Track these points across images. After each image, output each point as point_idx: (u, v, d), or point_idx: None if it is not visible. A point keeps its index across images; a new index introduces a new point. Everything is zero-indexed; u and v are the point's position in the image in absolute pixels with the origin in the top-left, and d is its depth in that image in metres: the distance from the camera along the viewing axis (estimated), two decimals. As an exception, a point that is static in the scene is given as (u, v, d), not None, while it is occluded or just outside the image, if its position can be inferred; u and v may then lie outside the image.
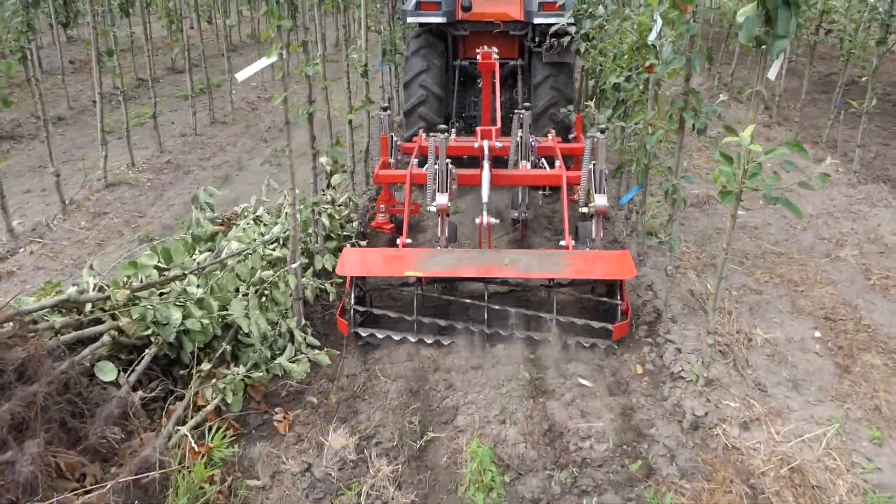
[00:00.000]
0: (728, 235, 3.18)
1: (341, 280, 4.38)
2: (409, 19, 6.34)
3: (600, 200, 4.33)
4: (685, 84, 3.66)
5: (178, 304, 3.40)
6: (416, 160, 5.09)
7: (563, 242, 4.43)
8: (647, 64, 3.97)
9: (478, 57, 5.50)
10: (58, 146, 7.81)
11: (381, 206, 5.23)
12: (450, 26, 6.50)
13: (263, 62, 3.73)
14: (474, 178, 4.74)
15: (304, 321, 3.98)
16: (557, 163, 5.06)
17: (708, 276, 4.65)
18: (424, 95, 6.20)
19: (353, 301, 4.05)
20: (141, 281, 3.50)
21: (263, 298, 3.87)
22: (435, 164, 4.48)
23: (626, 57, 4.59)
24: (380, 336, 3.99)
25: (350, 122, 5.39)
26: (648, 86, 4.28)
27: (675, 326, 3.99)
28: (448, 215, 4.50)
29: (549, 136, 5.58)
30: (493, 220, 4.50)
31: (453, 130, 5.72)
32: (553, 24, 5.72)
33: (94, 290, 3.36)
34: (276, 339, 3.85)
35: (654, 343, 3.97)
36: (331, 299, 4.38)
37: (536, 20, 6.12)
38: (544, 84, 6.18)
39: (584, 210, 4.57)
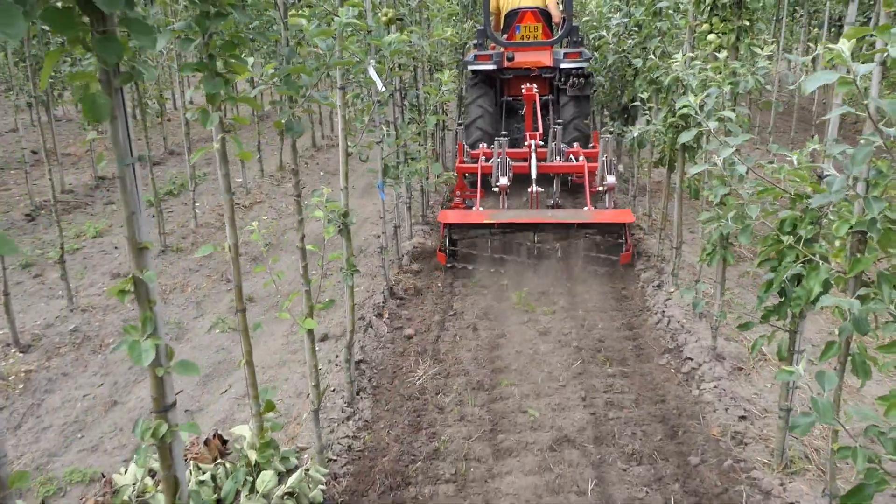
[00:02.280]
0: None
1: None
2: (470, 67, 9.59)
3: (610, 179, 7.50)
4: None
5: None
6: (484, 158, 8.40)
7: (586, 208, 7.47)
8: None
9: (522, 91, 8.98)
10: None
11: (457, 192, 8.50)
12: (498, 72, 9.77)
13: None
14: (524, 168, 7.96)
15: None
16: (581, 159, 8.18)
17: None
18: (481, 112, 9.58)
19: (447, 242, 7.20)
20: None
21: None
22: (498, 158, 7.62)
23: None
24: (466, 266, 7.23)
25: (311, 332, 3.76)
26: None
27: None
28: (507, 192, 7.73)
29: (575, 146, 8.87)
30: (539, 189, 7.74)
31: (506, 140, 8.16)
32: (574, 69, 9.08)
33: None
34: None
35: None
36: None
37: (563, 66, 9.30)
38: (568, 108, 9.44)
39: (601, 188, 7.70)
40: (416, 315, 6.26)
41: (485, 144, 9.01)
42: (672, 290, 6.22)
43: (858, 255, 2.64)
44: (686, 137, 3.40)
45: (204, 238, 8.47)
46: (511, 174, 7.85)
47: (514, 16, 9.76)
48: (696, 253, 7.33)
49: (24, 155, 9.24)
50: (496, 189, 7.77)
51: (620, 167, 9.78)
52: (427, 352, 5.53)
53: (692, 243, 7.64)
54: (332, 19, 3.18)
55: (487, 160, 8.30)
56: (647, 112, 6.28)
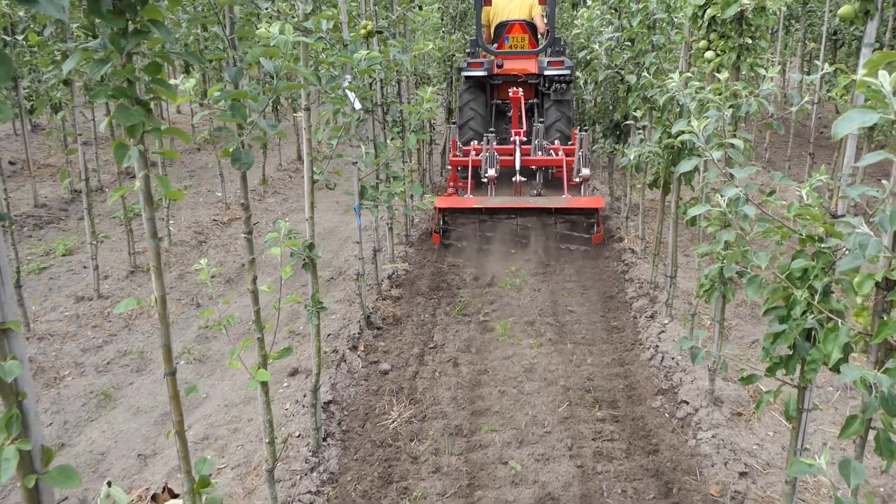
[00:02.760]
0: None
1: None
2: (464, 73, 10.47)
3: (585, 171, 8.48)
4: None
5: None
6: (474, 153, 9.24)
7: (563, 196, 8.53)
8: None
9: (510, 94, 9.94)
10: None
11: (451, 183, 9.38)
12: (488, 78, 10.64)
13: None
14: (510, 162, 8.90)
15: None
16: (560, 154, 9.17)
17: None
18: (473, 114, 10.43)
19: (440, 220, 8.37)
20: None
21: None
22: (486, 152, 8.65)
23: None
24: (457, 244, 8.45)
25: (265, 384, 3.28)
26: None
27: None
28: (494, 182, 8.66)
29: (556, 143, 9.77)
30: (522, 179, 8.78)
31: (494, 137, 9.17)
32: (557, 76, 10.14)
33: None
34: None
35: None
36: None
37: (546, 73, 10.29)
38: (552, 111, 10.35)
39: (577, 179, 8.68)
40: (393, 347, 5.86)
41: (476, 142, 9.90)
42: (666, 321, 5.85)
43: (885, 318, 2.27)
44: (686, 167, 3.03)
45: (177, 258, 8.06)
46: (498, 167, 8.83)
47: (504, 27, 10.75)
48: (690, 278, 6.97)
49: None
50: (485, 180, 8.74)
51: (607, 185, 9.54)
52: (403, 390, 5.13)
53: (686, 267, 7.28)
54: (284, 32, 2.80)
55: (478, 155, 9.18)
56: (640, 131, 5.92)
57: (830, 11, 9.88)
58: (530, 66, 10.53)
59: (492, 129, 9.91)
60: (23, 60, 8.45)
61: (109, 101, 2.10)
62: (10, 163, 12.57)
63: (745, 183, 2.91)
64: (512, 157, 8.93)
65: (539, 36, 10.76)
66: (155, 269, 2.32)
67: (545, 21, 10.64)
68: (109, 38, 2.04)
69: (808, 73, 14.70)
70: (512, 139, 9.13)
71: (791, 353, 2.92)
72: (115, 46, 2.04)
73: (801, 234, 2.92)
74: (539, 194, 9.05)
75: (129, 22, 2.06)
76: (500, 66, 10.52)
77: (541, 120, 9.89)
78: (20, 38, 7.36)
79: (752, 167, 2.93)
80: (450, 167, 9.70)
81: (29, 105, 10.29)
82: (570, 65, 10.18)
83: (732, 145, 3.10)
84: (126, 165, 2.60)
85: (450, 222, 8.70)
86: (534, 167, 9.36)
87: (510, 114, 10.51)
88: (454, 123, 10.39)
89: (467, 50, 11.16)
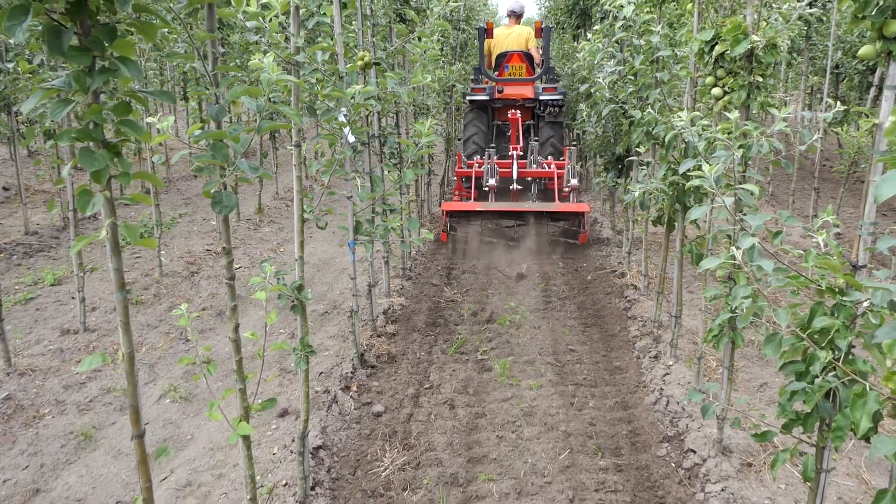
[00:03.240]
0: None
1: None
2: (468, 98, 11.81)
3: (573, 182, 9.67)
4: None
5: None
6: (477, 165, 10.48)
7: (554, 202, 9.73)
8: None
9: (509, 115, 10.98)
10: None
11: (456, 192, 10.75)
12: (489, 102, 11.95)
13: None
14: (508, 173, 10.21)
15: None
16: (552, 167, 10.38)
17: None
18: (476, 132, 11.75)
19: (445, 220, 9.74)
20: None
21: None
22: (487, 164, 9.83)
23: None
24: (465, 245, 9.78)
25: (246, 438, 3.04)
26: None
27: None
28: (494, 191, 9.85)
29: (549, 158, 11.05)
30: (518, 187, 10.03)
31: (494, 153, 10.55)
32: (551, 100, 11.64)
33: None
34: None
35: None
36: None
37: (542, 97, 11.74)
38: (545, 130, 11.81)
39: (567, 189, 9.83)
40: (387, 387, 5.64)
41: (478, 156, 11.18)
42: (671, 362, 5.64)
43: (919, 385, 2.08)
44: (697, 214, 2.85)
45: (167, 290, 7.86)
46: (498, 178, 10.03)
47: (504, 57, 12.16)
48: (695, 316, 6.77)
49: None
50: (486, 188, 9.90)
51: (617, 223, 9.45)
52: (397, 434, 4.91)
53: (690, 305, 7.08)
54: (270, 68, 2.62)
55: (480, 167, 10.39)
56: (644, 166, 5.76)
57: (833, 45, 9.78)
58: (527, 91, 11.94)
59: (493, 145, 11.57)
60: (16, 87, 8.31)
61: (73, 144, 1.92)
62: (4, 188, 12.43)
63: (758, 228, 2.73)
64: (510, 170, 10.33)
65: (535, 65, 12.16)
66: (122, 325, 2.13)
67: (540, 52, 11.99)
68: (73, 76, 1.86)
69: (809, 107, 14.61)
70: (510, 154, 10.67)
71: (809, 411, 2.72)
72: (80, 86, 1.86)
73: (819, 286, 2.74)
74: (533, 201, 10.29)
75: (97, 59, 1.88)
76: (500, 92, 11.93)
77: (536, 138, 11.69)
78: (11, 65, 7.23)
79: (767, 214, 2.75)
80: (451, 191, 11.34)
81: (20, 131, 10.14)
82: (563, 91, 11.78)
83: (748, 191, 2.92)
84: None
85: (455, 225, 10.22)
86: (529, 178, 10.67)
87: (509, 133, 11.95)
88: (459, 139, 12.55)
89: (471, 77, 12.31)
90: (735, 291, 2.59)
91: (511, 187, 10.15)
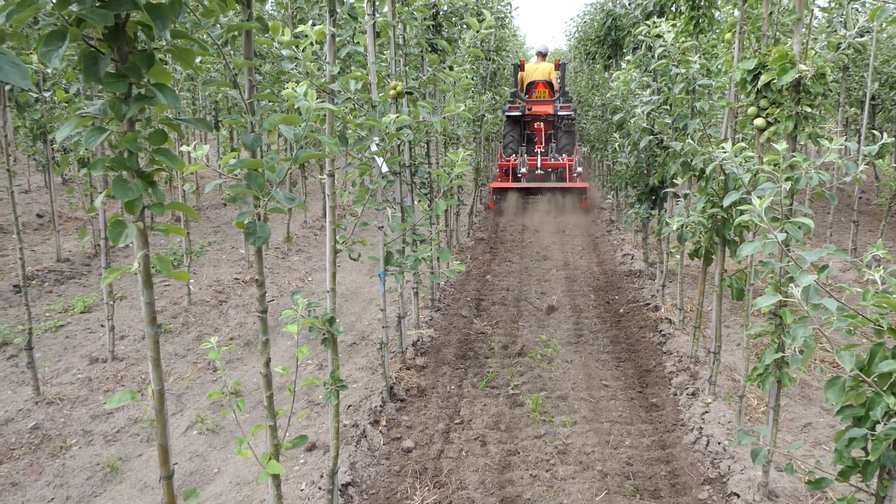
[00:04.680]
0: None
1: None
2: (507, 114, 16.08)
3: (579, 169, 15.40)
4: None
5: None
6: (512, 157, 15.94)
7: (565, 181, 15.28)
8: None
9: (535, 126, 16.53)
10: None
11: (499, 178, 15.76)
12: (522, 116, 16.54)
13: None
14: (534, 164, 15.50)
15: None
16: (566, 161, 15.56)
17: None
18: (512, 139, 16.56)
19: (492, 195, 15.59)
20: None
21: None
22: (519, 159, 15.37)
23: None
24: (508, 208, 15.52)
25: (276, 479, 2.91)
26: None
27: None
28: (525, 177, 15.23)
29: (564, 157, 15.71)
30: (541, 172, 15.59)
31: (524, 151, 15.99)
32: (566, 115, 16.37)
33: None
34: None
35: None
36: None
37: (560, 113, 16.34)
38: (562, 138, 16.68)
39: (575, 174, 15.31)
40: (417, 422, 5.52)
41: (514, 155, 16.14)
42: (710, 400, 5.46)
43: None
44: (748, 251, 2.73)
45: (195, 318, 7.83)
46: (527, 168, 15.28)
47: (532, 84, 16.98)
48: (733, 351, 6.59)
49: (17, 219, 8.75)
50: (520, 175, 15.21)
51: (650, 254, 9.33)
52: (427, 471, 4.78)
53: (728, 340, 6.89)
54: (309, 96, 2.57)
55: (515, 160, 15.63)
56: (681, 198, 5.64)
57: (871, 76, 9.61)
58: (549, 109, 16.74)
59: (523, 146, 16.71)
60: (52, 116, 8.41)
61: (107, 173, 1.86)
62: (38, 215, 12.59)
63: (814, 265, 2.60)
64: (536, 162, 15.65)
65: (555, 90, 16.98)
66: (153, 360, 2.05)
67: (558, 81, 17.05)
68: (109, 103, 1.81)
69: (846, 138, 14.38)
70: (536, 152, 16.02)
71: (874, 458, 2.56)
72: (116, 113, 1.81)
73: (880, 326, 2.59)
74: (552, 183, 15.48)
75: (133, 86, 1.83)
76: (529, 109, 16.76)
77: (553, 143, 16.82)
78: (48, 94, 7.32)
79: (821, 250, 2.62)
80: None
81: (55, 159, 10.27)
82: (574, 108, 16.79)
83: (797, 225, 2.80)
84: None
85: (500, 199, 15.81)
86: (549, 169, 15.88)
87: (535, 138, 16.82)
88: (502, 140, 17.20)
89: (509, 99, 16.05)
90: (794, 332, 2.46)
91: (537, 172, 15.62)
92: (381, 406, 5.59)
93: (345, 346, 7.12)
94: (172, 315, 7.84)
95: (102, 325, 7.64)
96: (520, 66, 16.94)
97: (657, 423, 5.48)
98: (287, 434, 3.77)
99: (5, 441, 5.26)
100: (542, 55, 17.55)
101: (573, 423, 5.44)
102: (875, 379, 2.53)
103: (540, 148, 16.06)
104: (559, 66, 17.11)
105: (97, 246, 10.44)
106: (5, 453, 5.11)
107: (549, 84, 16.79)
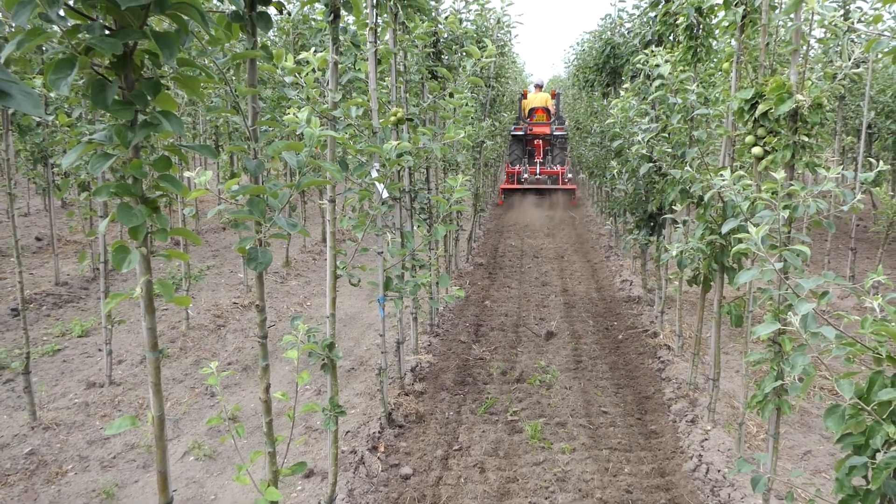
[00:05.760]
0: None
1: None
2: (511, 133, 19.83)
3: (570, 175, 20.58)
4: None
5: None
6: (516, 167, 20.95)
7: (558, 185, 20.23)
8: None
9: (535, 143, 21.22)
10: None
11: (507, 182, 20.59)
12: (524, 136, 21.01)
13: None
14: (534, 171, 20.53)
15: None
16: (560, 170, 20.50)
17: None
18: (516, 154, 21.27)
19: (501, 194, 20.45)
20: None
21: None
22: (522, 167, 20.73)
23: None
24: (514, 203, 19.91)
25: None
26: None
27: None
28: (527, 181, 20.35)
29: (557, 167, 20.69)
30: (539, 178, 20.38)
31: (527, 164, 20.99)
32: (559, 135, 21.21)
33: None
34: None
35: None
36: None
37: (555, 133, 21.13)
38: (557, 154, 21.61)
39: (566, 180, 20.18)
40: (415, 448, 5.49)
41: (518, 165, 20.52)
42: (709, 427, 5.44)
43: None
44: (746, 278, 2.75)
45: (193, 343, 7.82)
46: (528, 175, 19.71)
47: (533, 110, 21.31)
48: (732, 378, 6.58)
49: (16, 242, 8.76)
50: (522, 180, 19.66)
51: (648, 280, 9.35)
52: (426, 498, 4.75)
53: (727, 367, 6.89)
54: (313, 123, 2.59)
55: (518, 169, 20.05)
56: (679, 225, 5.66)
57: (867, 105, 9.70)
58: (546, 129, 20.96)
59: (525, 158, 21.05)
60: (53, 139, 8.46)
61: (111, 199, 1.88)
62: (38, 238, 12.59)
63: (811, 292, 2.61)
64: (535, 169, 20.17)
65: (551, 114, 21.31)
66: (153, 386, 2.05)
67: (553, 107, 21.48)
68: (115, 130, 1.83)
69: (842, 165, 14.46)
70: (535, 162, 20.59)
71: (874, 487, 2.56)
72: (122, 140, 1.83)
73: (879, 354, 2.60)
74: (548, 185, 19.89)
75: (138, 113, 1.85)
76: (530, 130, 20.91)
77: (549, 156, 21.35)
78: (51, 118, 7.36)
79: (819, 277, 2.64)
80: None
81: (56, 182, 10.31)
82: (566, 129, 20.45)
83: (795, 253, 2.81)
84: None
85: (505, 198, 20.02)
86: (545, 176, 20.16)
87: (535, 153, 21.08)
88: (508, 155, 21.33)
89: (513, 123, 19.76)
90: (793, 360, 2.46)
91: (536, 178, 20.02)
92: (379, 432, 5.57)
93: (343, 372, 7.11)
94: (171, 339, 7.83)
95: (100, 350, 7.62)
96: (523, 95, 21.95)
97: (656, 451, 5.46)
98: (285, 460, 3.75)
99: (0, 467, 5.23)
100: (539, 86, 22.74)
101: (572, 449, 5.42)
102: (874, 407, 2.53)
103: (539, 159, 20.81)
104: (555, 96, 22.06)
105: (96, 269, 10.43)
106: (0, 479, 5.08)
107: (547, 109, 21.32)
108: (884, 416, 2.45)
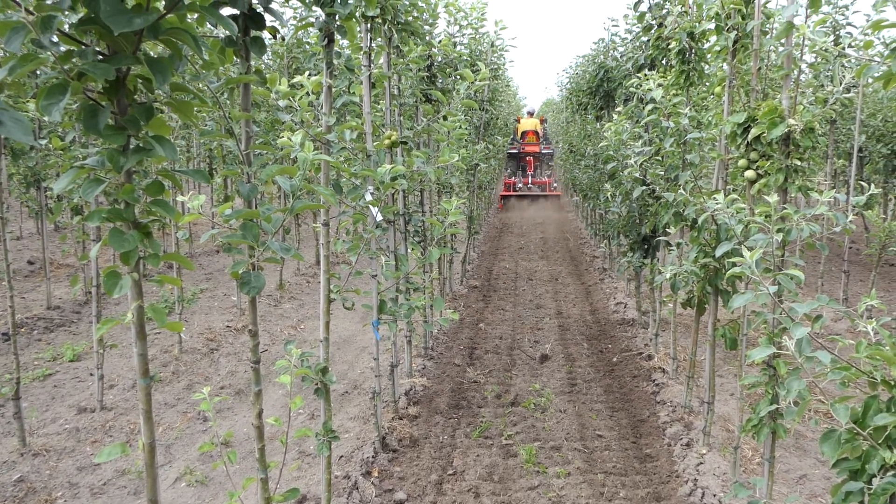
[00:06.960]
0: None
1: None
2: (507, 152, 25.27)
3: (556, 185, 26.69)
4: None
5: None
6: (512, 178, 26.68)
7: (546, 192, 25.50)
8: None
9: (527, 159, 26.83)
10: None
11: (505, 190, 26.07)
12: (518, 153, 26.68)
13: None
14: (526, 181, 26.34)
15: None
16: (547, 180, 26.43)
17: None
18: (511, 170, 27.46)
19: (501, 200, 25.49)
20: None
21: None
22: (516, 178, 26.75)
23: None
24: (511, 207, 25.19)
25: None
26: None
27: None
28: (521, 189, 26.01)
29: (547, 177, 26.68)
30: (531, 187, 26.25)
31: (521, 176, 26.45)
32: (547, 153, 27.44)
33: None
34: None
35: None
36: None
37: (543, 151, 27.13)
38: (545, 168, 27.75)
39: (553, 188, 26.11)
40: (409, 473, 5.44)
41: (513, 177, 25.84)
42: (704, 451, 5.42)
43: None
44: (740, 302, 2.74)
45: (186, 367, 7.77)
46: (522, 185, 25.25)
47: (525, 133, 26.26)
48: (726, 401, 6.56)
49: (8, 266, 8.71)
50: (517, 188, 25.06)
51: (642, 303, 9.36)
52: (419, 524, 4.70)
53: (721, 390, 6.86)
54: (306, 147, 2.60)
55: (514, 179, 25.64)
56: (673, 247, 5.67)
57: (858, 129, 9.77)
58: (536, 148, 25.89)
59: (519, 172, 25.87)
60: (46, 163, 8.45)
61: (103, 223, 1.87)
62: (30, 262, 12.53)
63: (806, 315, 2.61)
64: (528, 180, 25.23)
65: (540, 137, 26.35)
66: (144, 413, 2.03)
67: (541, 131, 26.53)
68: (107, 155, 1.82)
69: (834, 189, 14.55)
70: (528, 174, 25.47)
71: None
72: (114, 165, 1.82)
73: (873, 378, 2.59)
74: (539, 191, 24.59)
75: (131, 138, 1.85)
76: (523, 149, 25.63)
77: (538, 170, 26.15)
78: (44, 141, 7.37)
79: (814, 301, 2.64)
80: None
81: (48, 206, 10.29)
82: (553, 148, 26.28)
83: (789, 276, 2.81)
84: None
85: (504, 203, 24.66)
86: (535, 185, 24.97)
87: (527, 167, 25.66)
88: (505, 169, 26.66)
89: (509, 142, 24.05)
90: (788, 384, 2.45)
91: (529, 187, 24.92)
92: (373, 457, 5.52)
93: (337, 395, 7.06)
94: (163, 363, 7.77)
95: (91, 374, 7.56)
96: (517, 120, 26.99)
97: (652, 475, 5.43)
98: (278, 486, 3.72)
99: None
100: (531, 113, 29.13)
101: (567, 474, 5.38)
102: (870, 432, 2.52)
103: (530, 172, 25.85)
104: (543, 121, 27.87)
105: (88, 293, 10.38)
106: (-11, 505, 5.01)
107: (536, 132, 26.67)
108: (880, 441, 2.44)
